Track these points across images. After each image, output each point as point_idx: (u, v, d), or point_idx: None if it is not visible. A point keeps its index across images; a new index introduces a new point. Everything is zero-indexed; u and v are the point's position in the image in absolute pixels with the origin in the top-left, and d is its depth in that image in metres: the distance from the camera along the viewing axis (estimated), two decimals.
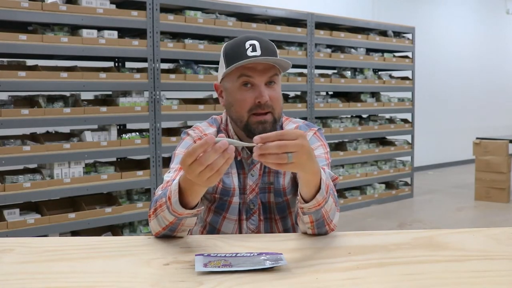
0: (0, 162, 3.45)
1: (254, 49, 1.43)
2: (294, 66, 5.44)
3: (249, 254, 1.14)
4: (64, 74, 3.70)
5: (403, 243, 1.28)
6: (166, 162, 4.16)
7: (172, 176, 1.45)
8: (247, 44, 1.44)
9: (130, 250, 1.24)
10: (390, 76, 6.30)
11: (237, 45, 1.46)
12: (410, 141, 6.42)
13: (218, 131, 1.58)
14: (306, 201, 1.25)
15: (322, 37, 5.41)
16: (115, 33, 3.94)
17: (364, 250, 1.23)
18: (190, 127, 1.63)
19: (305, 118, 5.16)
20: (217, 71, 3.25)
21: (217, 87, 1.56)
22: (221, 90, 1.54)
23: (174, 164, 1.51)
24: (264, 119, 1.45)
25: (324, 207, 1.27)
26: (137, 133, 4.15)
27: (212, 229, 1.58)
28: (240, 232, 1.56)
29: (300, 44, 5.26)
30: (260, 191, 1.55)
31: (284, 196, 1.56)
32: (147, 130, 4.16)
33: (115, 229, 4.04)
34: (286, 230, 1.58)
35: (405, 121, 6.38)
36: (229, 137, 1.55)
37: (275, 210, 1.57)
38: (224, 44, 1.52)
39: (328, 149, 1.55)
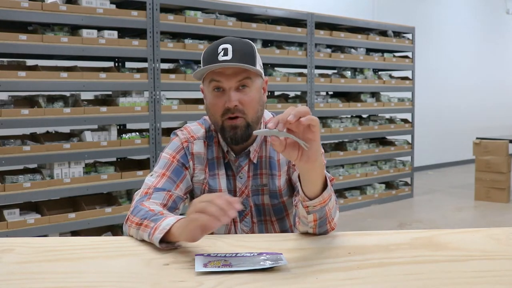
0: (0, 162, 3.45)
1: (225, 53, 1.41)
2: (294, 66, 5.45)
3: (249, 254, 1.14)
4: (64, 74, 3.70)
5: (403, 243, 1.28)
6: None
7: (153, 181, 1.46)
8: (220, 48, 1.43)
9: (130, 250, 1.24)
10: (390, 76, 6.29)
11: (211, 49, 1.45)
12: (410, 141, 6.42)
13: (208, 131, 1.58)
14: (310, 199, 1.24)
15: (322, 37, 5.41)
16: (115, 33, 3.94)
17: (364, 250, 1.23)
18: None
19: None
20: None
21: (202, 90, 1.56)
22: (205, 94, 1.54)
23: (158, 168, 1.51)
24: (235, 123, 1.44)
25: (328, 205, 1.27)
26: (137, 133, 4.15)
27: None
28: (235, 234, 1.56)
29: (300, 44, 5.26)
30: (253, 193, 1.55)
31: (280, 198, 1.55)
32: (147, 130, 4.16)
33: (115, 229, 4.04)
34: (283, 232, 1.58)
35: (405, 121, 6.38)
36: (218, 139, 1.55)
37: (272, 211, 1.57)
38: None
39: (323, 151, 1.55)
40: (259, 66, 1.47)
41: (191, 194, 1.59)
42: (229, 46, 1.42)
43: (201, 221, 1.09)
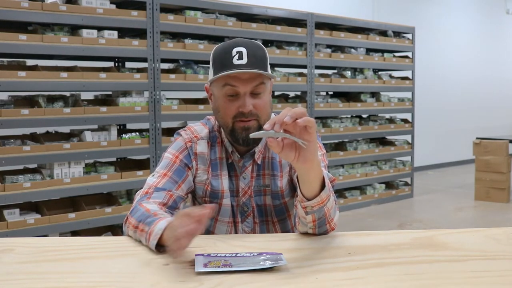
0: (0, 162, 3.45)
1: (240, 57, 1.41)
2: (294, 66, 5.45)
3: (249, 254, 1.14)
4: (64, 74, 3.70)
5: (403, 243, 1.28)
6: None
7: (154, 181, 1.47)
8: (234, 51, 1.42)
9: (130, 250, 1.24)
10: (390, 76, 6.29)
11: (224, 51, 1.44)
12: (410, 141, 6.42)
13: (211, 132, 1.58)
14: (308, 199, 1.25)
15: (322, 37, 5.40)
16: (115, 33, 3.94)
17: (364, 250, 1.23)
18: None
19: None
20: None
21: (207, 89, 1.56)
22: (211, 93, 1.54)
23: (160, 168, 1.51)
24: (248, 125, 1.45)
25: (327, 205, 1.27)
26: (137, 133, 4.15)
27: (207, 232, 1.59)
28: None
29: (300, 44, 5.26)
30: (255, 194, 1.55)
31: (282, 199, 1.56)
32: (147, 130, 4.16)
33: (115, 229, 4.04)
34: (285, 233, 1.58)
35: (405, 121, 6.38)
36: (221, 139, 1.56)
37: (273, 212, 1.57)
38: (215, 47, 1.50)
39: (325, 151, 1.56)
40: (269, 69, 1.49)
41: (193, 194, 1.59)
42: (243, 50, 1.42)
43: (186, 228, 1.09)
